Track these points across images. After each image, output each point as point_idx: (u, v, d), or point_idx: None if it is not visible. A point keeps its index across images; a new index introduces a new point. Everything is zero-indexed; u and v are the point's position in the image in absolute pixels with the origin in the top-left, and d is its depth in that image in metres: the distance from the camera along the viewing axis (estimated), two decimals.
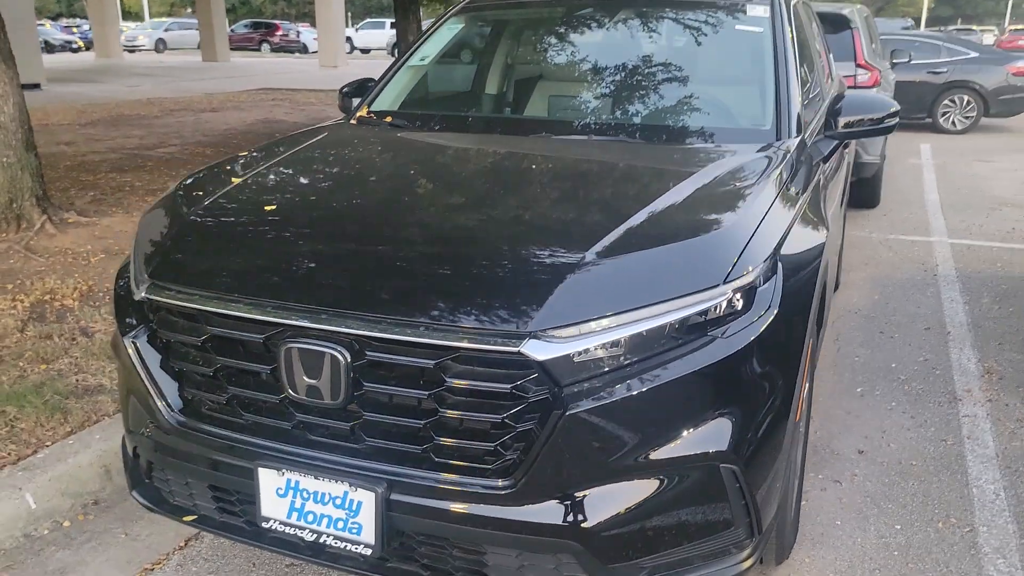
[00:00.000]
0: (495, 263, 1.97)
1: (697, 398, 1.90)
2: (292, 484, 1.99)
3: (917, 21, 42.68)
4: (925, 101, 12.87)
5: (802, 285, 2.18)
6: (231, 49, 33.59)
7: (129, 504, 2.87)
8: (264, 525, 2.03)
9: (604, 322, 1.82)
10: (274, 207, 2.34)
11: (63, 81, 19.56)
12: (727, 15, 3.38)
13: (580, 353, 1.80)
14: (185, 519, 2.25)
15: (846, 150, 3.73)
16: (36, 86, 16.74)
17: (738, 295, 1.93)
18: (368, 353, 1.87)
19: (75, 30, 43.77)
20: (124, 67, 26.60)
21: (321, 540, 1.98)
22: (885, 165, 9.72)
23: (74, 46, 37.87)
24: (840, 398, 3.75)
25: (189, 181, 2.61)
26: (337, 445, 1.97)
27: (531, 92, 3.51)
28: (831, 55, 5.19)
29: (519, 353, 1.77)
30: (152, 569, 2.57)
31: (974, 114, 12.92)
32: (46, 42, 36.85)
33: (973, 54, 13.17)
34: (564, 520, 1.85)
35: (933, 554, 2.66)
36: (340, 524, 1.96)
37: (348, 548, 1.96)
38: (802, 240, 2.31)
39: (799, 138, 2.85)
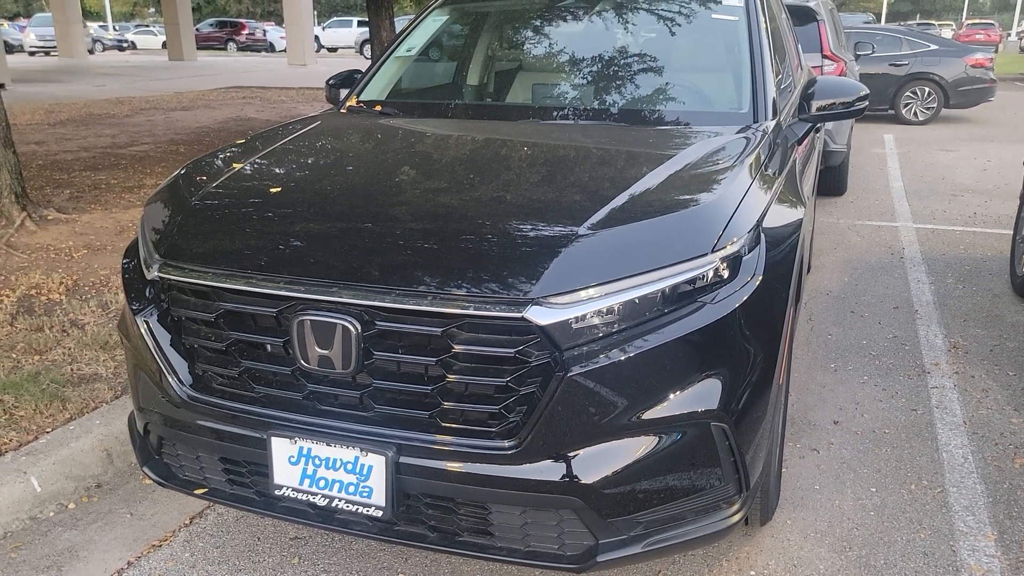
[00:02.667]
0: (496, 236, 2.07)
1: (688, 360, 2.01)
2: (304, 451, 2.08)
3: (878, 16, 43.42)
4: (887, 93, 13.18)
5: (783, 255, 2.31)
6: (197, 48, 33.31)
7: (132, 485, 2.94)
8: (277, 493, 2.12)
9: (600, 289, 1.93)
10: (278, 189, 2.43)
11: (28, 81, 19.32)
12: (704, 5, 3.51)
13: (578, 319, 1.91)
14: (196, 492, 2.32)
15: (817, 135, 3.88)
16: (0, 86, 16.53)
17: (725, 264, 2.06)
18: (378, 323, 1.96)
19: None
20: (89, 67, 26.27)
21: (333, 504, 2.07)
22: (851, 155, 9.99)
23: None
24: (815, 373, 3.91)
25: (190, 168, 2.68)
26: (347, 413, 2.06)
27: (515, 80, 3.62)
28: (799, 45, 5.34)
29: (522, 318, 1.87)
30: (160, 545, 2.64)
31: (935, 105, 13.24)
32: (5, 42, 36.35)
33: (933, 47, 13.50)
34: (565, 477, 1.96)
35: (907, 513, 2.81)
36: (352, 488, 2.06)
37: (359, 511, 2.05)
38: (782, 214, 2.44)
39: (775, 120, 2.99)
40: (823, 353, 4.15)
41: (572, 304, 1.91)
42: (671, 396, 2.00)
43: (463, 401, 1.98)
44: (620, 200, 2.18)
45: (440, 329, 1.92)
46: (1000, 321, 4.59)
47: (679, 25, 3.47)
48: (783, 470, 3.04)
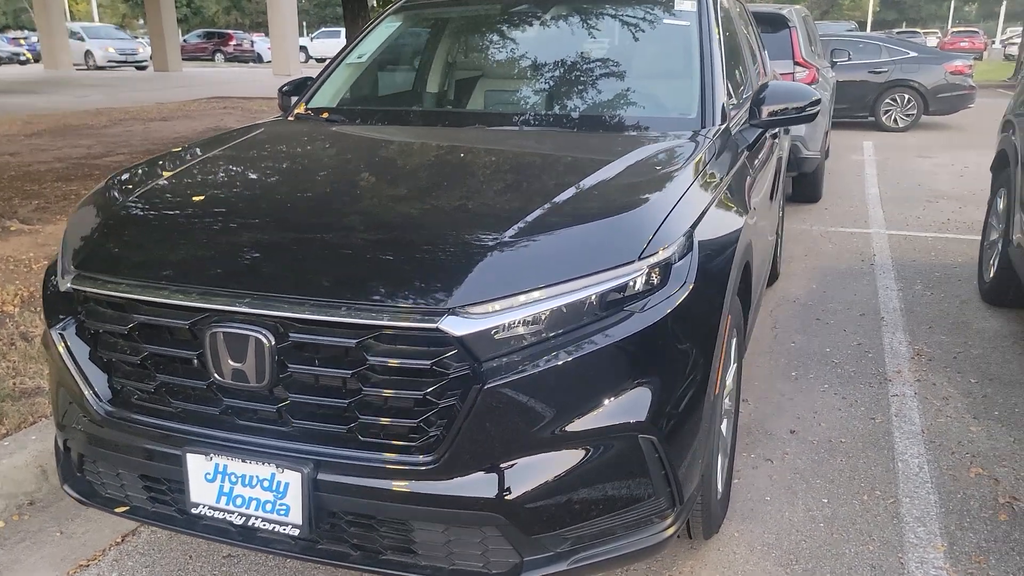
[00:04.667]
0: (415, 244, 2.02)
1: (615, 371, 1.96)
2: (220, 468, 2.01)
3: (863, 24, 43.67)
4: (867, 100, 13.21)
5: (718, 263, 2.26)
6: (184, 59, 33.24)
7: (65, 503, 2.86)
8: (194, 511, 2.05)
9: (521, 298, 1.87)
10: (202, 198, 2.36)
11: (8, 92, 19.20)
12: (656, 11, 3.47)
13: (498, 328, 1.85)
14: (117, 510, 2.25)
15: (775, 140, 3.84)
16: None
17: (653, 271, 2.00)
18: (292, 335, 1.90)
19: (23, 42, 42.94)
20: (73, 78, 26.16)
21: (250, 523, 2.00)
22: (829, 161, 9.99)
23: (22, 58, 37.16)
24: (775, 381, 3.86)
25: (121, 176, 2.62)
26: (264, 428, 2.00)
27: (465, 86, 3.57)
28: (765, 52, 5.32)
29: (437, 329, 1.81)
30: (87, 565, 2.57)
31: (915, 112, 13.28)
32: None
33: (913, 54, 13.54)
34: (487, 493, 1.89)
35: (857, 524, 2.75)
36: (268, 506, 1.99)
37: (276, 530, 1.99)
38: (720, 221, 2.39)
39: (723, 126, 2.94)
40: (785, 361, 4.10)
41: (490, 314, 1.85)
42: (596, 408, 1.94)
43: (382, 415, 1.92)
44: (547, 207, 2.12)
45: (355, 341, 1.86)
46: (966, 328, 4.56)
47: (630, 31, 3.43)
48: (735, 481, 2.98)
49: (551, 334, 1.90)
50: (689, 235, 2.15)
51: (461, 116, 3.39)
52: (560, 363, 1.88)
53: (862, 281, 5.41)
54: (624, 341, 1.93)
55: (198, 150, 2.85)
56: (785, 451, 3.23)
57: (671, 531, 2.10)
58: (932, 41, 41.82)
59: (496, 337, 1.86)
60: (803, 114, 3.18)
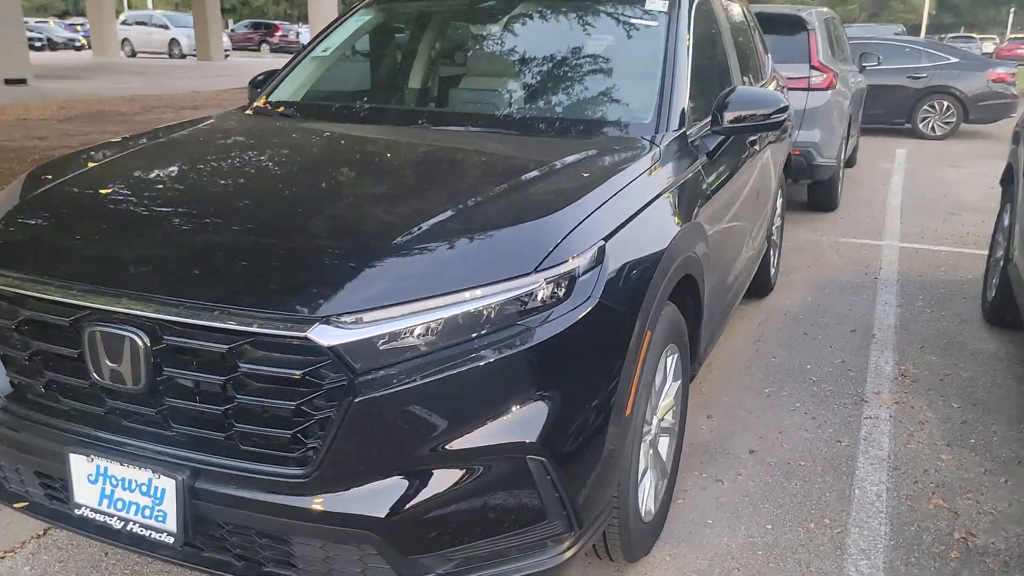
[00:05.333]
0: (297, 250, 1.95)
1: (505, 388, 1.87)
2: (101, 470, 1.97)
3: (916, 28, 42.64)
4: (904, 106, 12.83)
5: (635, 276, 2.15)
6: (233, 49, 33.70)
7: None
8: (77, 513, 2.01)
9: (401, 309, 1.80)
10: (106, 192, 2.32)
11: (52, 77, 19.61)
12: (626, 10, 3.36)
13: (376, 340, 1.78)
14: (16, 506, 2.22)
15: (754, 147, 3.70)
16: (22, 81, 16.80)
17: (556, 284, 1.91)
18: (166, 337, 1.85)
19: (79, 28, 43.97)
20: (118, 65, 26.67)
21: (128, 528, 1.96)
22: (855, 169, 9.72)
23: (77, 44, 38.05)
24: (745, 397, 3.72)
25: (42, 167, 2.60)
26: (144, 431, 1.95)
27: (420, 84, 3.49)
28: (769, 56, 5.15)
29: (306, 338, 1.74)
30: (3, 557, 2.55)
31: (953, 120, 12.87)
32: (49, 39, 37.08)
33: (953, 59, 13.12)
34: (361, 511, 1.82)
35: (797, 554, 2.62)
36: (147, 512, 1.94)
37: (152, 536, 1.94)
38: (645, 233, 2.28)
39: (680, 132, 2.83)
40: (761, 377, 3.96)
41: (366, 324, 1.78)
42: (483, 426, 1.85)
43: (258, 424, 1.85)
44: (450, 213, 2.04)
45: (227, 346, 1.80)
46: (960, 348, 4.36)
47: (596, 31, 3.32)
48: (678, 501, 2.87)
49: (436, 347, 1.81)
50: (601, 247, 2.04)
51: (406, 115, 3.31)
52: (444, 378, 1.79)
53: (861, 295, 5.22)
54: (515, 357, 1.85)
55: (131, 142, 2.82)
56: (739, 472, 3.11)
57: (569, 555, 2.00)
58: (988, 47, 40.69)
59: (375, 349, 1.78)
60: (768, 121, 3.05)
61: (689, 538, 2.71)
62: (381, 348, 1.78)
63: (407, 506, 1.83)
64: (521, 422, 1.88)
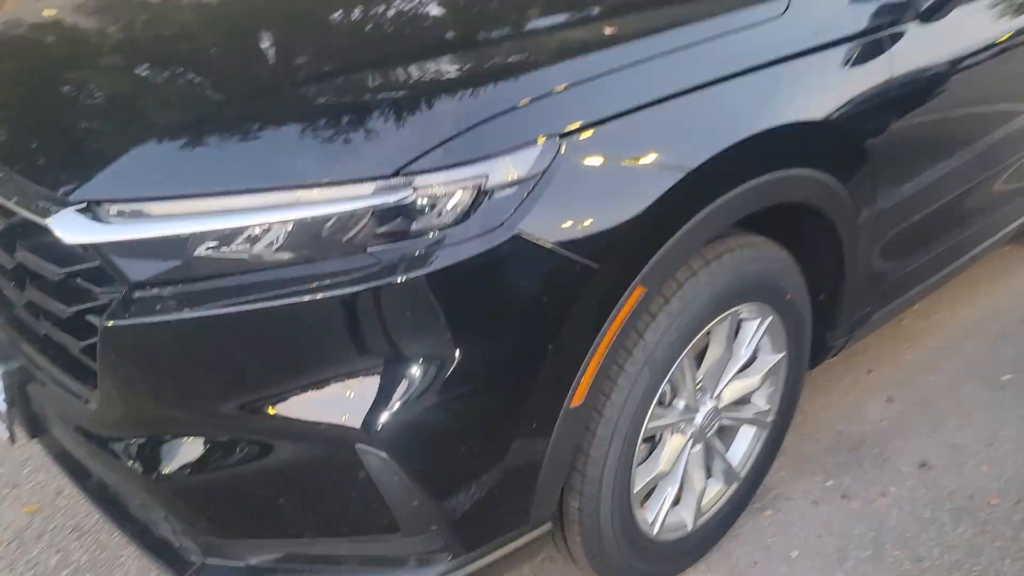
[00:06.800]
0: (92, 116, 1.46)
1: (334, 342, 1.27)
2: None
3: None
4: None
5: (639, 193, 1.37)
6: None
7: None
8: None
9: (193, 204, 1.26)
10: None
11: None
12: None
13: (149, 243, 1.26)
14: None
15: None
16: None
17: (433, 198, 1.23)
18: None
19: None
20: None
21: None
22: None
23: None
24: (964, 382, 2.59)
25: None
26: None
27: None
28: None
29: (45, 226, 1.27)
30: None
31: None
32: None
33: None
34: (136, 466, 1.38)
35: None
36: None
37: None
38: (702, 122, 1.47)
39: None
40: (1005, 358, 2.74)
41: (141, 219, 1.27)
42: (300, 392, 1.29)
43: (58, 327, 1.45)
44: (297, 77, 1.43)
45: (2, 225, 1.41)
46: None
47: None
48: (764, 513, 2.07)
49: (234, 267, 1.25)
50: (554, 144, 1.29)
51: None
52: (245, 313, 1.25)
53: None
54: (350, 301, 1.24)
55: None
56: (886, 491, 2.16)
57: None
58: None
59: (148, 255, 1.26)
60: None
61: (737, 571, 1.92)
62: (155, 254, 1.26)
63: (186, 473, 1.35)
64: (355, 397, 1.29)
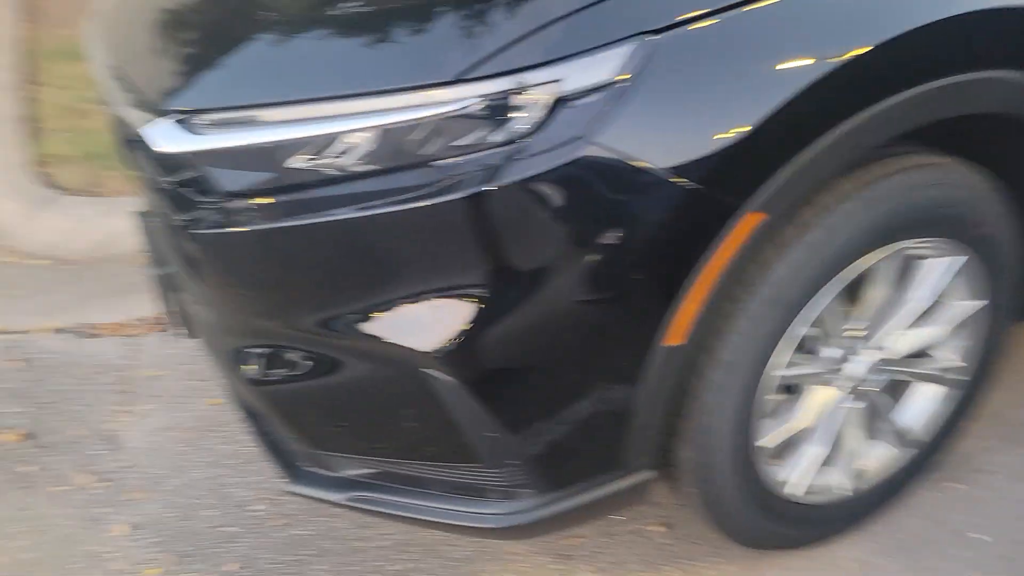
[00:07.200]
0: (184, 30, 1.48)
1: (403, 261, 1.21)
2: None
3: None
4: None
5: (749, 105, 1.15)
6: None
7: None
8: None
9: (281, 112, 1.23)
10: None
11: None
12: None
13: (233, 152, 1.25)
14: None
15: None
16: None
17: (496, 107, 1.12)
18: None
19: None
20: None
21: None
22: None
23: None
24: None
25: None
26: None
27: None
28: None
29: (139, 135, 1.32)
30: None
31: None
32: None
33: None
34: (239, 370, 1.43)
35: None
36: None
37: None
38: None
39: None
40: None
41: (231, 128, 1.26)
42: (378, 311, 1.25)
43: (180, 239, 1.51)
44: None
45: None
46: None
47: None
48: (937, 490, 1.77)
49: (320, 178, 1.22)
50: (639, 48, 1.11)
51: None
52: (326, 222, 1.21)
53: None
54: (415, 216, 1.17)
55: None
56: None
57: (526, 519, 1.35)
58: None
59: (239, 165, 1.27)
60: None
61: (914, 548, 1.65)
62: (246, 167, 1.26)
63: (281, 385, 1.38)
64: (429, 320, 1.22)
